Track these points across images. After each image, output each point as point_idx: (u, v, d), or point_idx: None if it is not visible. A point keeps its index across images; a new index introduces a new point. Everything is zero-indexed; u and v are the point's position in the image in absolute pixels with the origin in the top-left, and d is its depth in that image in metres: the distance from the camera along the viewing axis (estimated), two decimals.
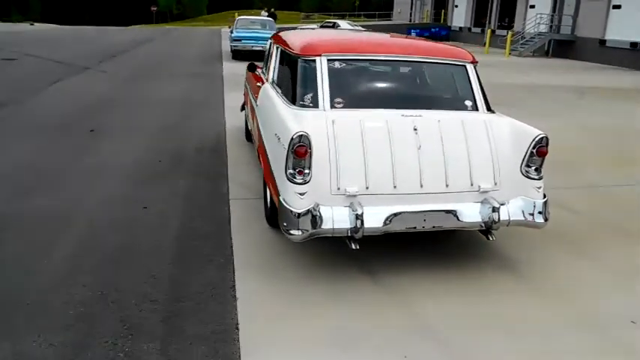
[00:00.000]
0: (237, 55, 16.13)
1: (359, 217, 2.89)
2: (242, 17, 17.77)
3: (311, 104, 3.28)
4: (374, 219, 2.98)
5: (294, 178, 2.90)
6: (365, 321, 2.76)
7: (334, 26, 28.21)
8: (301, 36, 4.08)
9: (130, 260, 3.34)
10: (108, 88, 10.39)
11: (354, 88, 3.50)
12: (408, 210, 3.04)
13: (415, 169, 3.10)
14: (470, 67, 3.59)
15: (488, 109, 3.55)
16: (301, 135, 2.84)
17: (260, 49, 15.51)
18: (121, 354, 2.44)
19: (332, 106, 3.26)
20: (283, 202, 2.95)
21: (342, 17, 38.18)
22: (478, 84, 3.57)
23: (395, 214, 3.01)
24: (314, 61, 3.38)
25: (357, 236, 2.93)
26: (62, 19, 54.84)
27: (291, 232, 2.91)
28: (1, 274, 3.11)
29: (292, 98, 3.41)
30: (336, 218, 2.94)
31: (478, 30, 27.44)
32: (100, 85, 10.90)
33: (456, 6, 30.67)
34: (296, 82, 3.43)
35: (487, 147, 3.25)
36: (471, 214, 3.13)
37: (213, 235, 3.73)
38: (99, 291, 2.94)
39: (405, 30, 28.49)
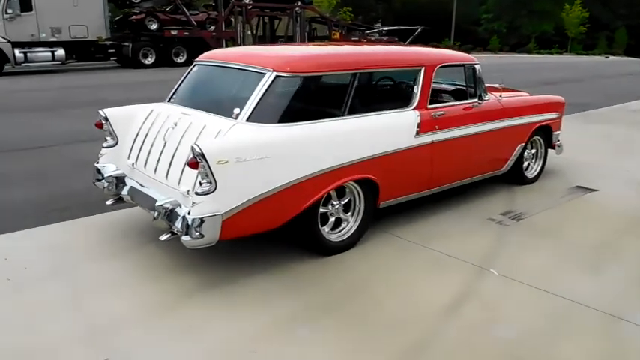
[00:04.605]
0: None
1: (106, 179, 3.80)
2: None
3: None
4: (127, 188, 3.76)
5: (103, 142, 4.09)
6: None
7: None
8: None
9: None
10: None
11: (187, 89, 3.98)
12: (134, 186, 3.64)
13: (156, 157, 3.60)
14: (268, 76, 3.37)
15: (274, 121, 3.31)
16: (99, 112, 4.00)
17: None
18: None
19: (168, 101, 4.05)
20: None
21: None
22: (263, 93, 3.33)
23: (132, 187, 3.69)
24: None
25: (105, 192, 3.84)
26: None
27: (94, 181, 4.08)
28: None
29: None
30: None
31: None
32: None
33: None
34: None
35: None
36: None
37: None
38: None
39: None
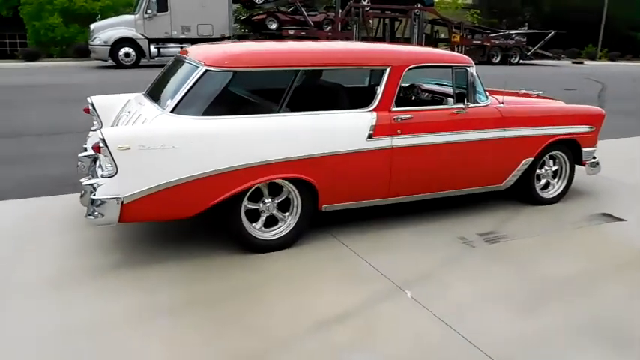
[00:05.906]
0: None
1: (79, 159, 4.15)
2: None
3: None
4: (92, 168, 4.08)
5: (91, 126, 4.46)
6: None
7: None
8: None
9: None
10: None
11: (156, 81, 4.14)
12: (95, 167, 3.91)
13: None
14: (199, 70, 3.43)
15: (198, 113, 3.38)
16: (87, 99, 4.37)
17: None
18: None
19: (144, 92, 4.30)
20: None
21: None
22: (190, 86, 3.40)
23: (92, 168, 3.98)
24: None
25: (78, 171, 4.19)
26: None
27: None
28: None
29: None
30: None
31: None
32: None
33: None
34: None
35: None
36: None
37: None
38: None
39: None
